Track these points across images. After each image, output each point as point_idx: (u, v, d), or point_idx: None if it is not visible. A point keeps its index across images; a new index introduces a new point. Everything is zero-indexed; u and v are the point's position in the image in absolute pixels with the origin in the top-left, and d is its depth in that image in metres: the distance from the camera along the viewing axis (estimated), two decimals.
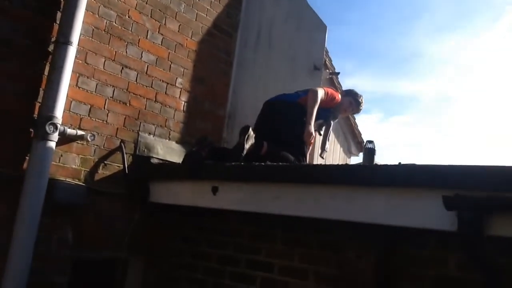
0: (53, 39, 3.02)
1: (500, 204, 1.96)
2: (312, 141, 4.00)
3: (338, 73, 7.59)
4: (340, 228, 2.69)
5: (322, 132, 4.54)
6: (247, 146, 3.38)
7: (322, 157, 4.68)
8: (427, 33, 23.54)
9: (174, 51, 3.80)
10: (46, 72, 2.98)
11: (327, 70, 7.25)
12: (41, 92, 2.95)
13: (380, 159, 4.28)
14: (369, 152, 4.30)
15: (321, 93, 3.99)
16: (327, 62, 7.07)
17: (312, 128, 3.88)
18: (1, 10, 2.84)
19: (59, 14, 3.06)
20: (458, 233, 2.04)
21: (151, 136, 3.59)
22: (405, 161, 2.46)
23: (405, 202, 2.24)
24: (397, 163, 2.43)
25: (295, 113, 3.90)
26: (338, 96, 4.25)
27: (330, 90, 4.22)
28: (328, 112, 4.24)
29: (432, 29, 23.29)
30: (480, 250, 2.06)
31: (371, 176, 2.39)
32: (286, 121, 3.87)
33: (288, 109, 3.91)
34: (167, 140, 3.70)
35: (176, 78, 3.80)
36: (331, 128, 4.50)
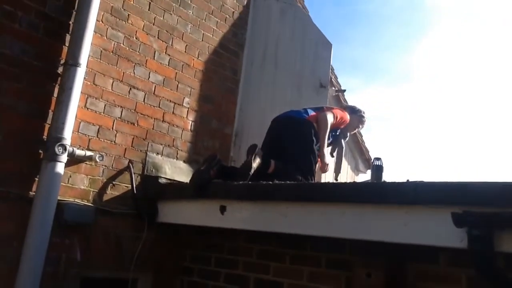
0: (62, 61, 3.07)
1: (510, 220, 1.94)
2: (327, 168, 4.02)
3: (344, 90, 7.61)
4: (349, 246, 2.68)
5: (335, 154, 4.57)
6: (254, 165, 3.38)
7: (337, 180, 4.69)
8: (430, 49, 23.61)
9: (181, 71, 3.84)
10: (55, 94, 3.03)
11: (333, 88, 7.27)
12: (50, 113, 2.99)
13: (388, 175, 4.28)
14: (377, 169, 4.29)
15: (330, 119, 4.00)
16: (333, 80, 7.09)
17: (326, 157, 3.94)
18: (11, 31, 2.90)
19: (68, 36, 3.11)
20: (468, 250, 2.01)
21: (159, 156, 3.61)
22: (413, 177, 2.46)
23: (414, 219, 2.22)
24: (405, 180, 2.43)
25: (304, 130, 3.90)
26: (346, 116, 4.28)
27: (339, 113, 4.22)
28: (336, 132, 4.26)
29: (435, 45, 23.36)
30: (491, 267, 2.04)
31: (379, 193, 2.38)
32: (294, 138, 3.86)
33: (296, 125, 3.91)
34: (175, 160, 3.72)
35: (184, 97, 3.83)
36: (343, 150, 4.53)
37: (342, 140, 4.49)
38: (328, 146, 4.17)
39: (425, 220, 2.19)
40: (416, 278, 2.46)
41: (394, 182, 2.43)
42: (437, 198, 2.15)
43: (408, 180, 2.42)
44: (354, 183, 3.72)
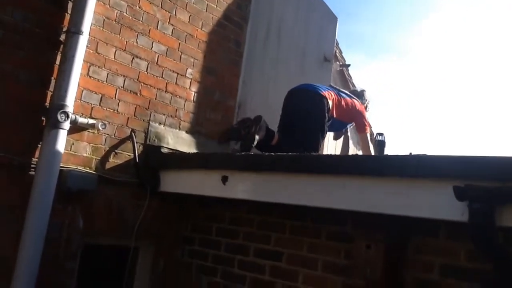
0: (64, 29, 3.04)
1: (511, 195, 1.95)
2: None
3: (349, 65, 7.58)
4: (350, 218, 2.70)
5: (340, 140, 4.68)
6: (257, 136, 3.39)
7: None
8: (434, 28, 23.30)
9: (185, 42, 3.80)
10: (57, 62, 3.00)
11: (338, 62, 7.23)
12: (53, 81, 2.97)
13: (391, 150, 4.33)
14: (379, 144, 4.32)
15: (369, 132, 4.32)
16: (337, 54, 7.04)
17: None
18: None
19: (70, 4, 3.07)
20: (469, 224, 2.03)
21: (162, 126, 3.60)
22: (415, 151, 2.46)
23: (415, 193, 2.24)
24: (408, 154, 2.43)
25: (316, 103, 3.91)
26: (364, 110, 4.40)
27: (366, 114, 4.37)
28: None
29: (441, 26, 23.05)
30: (491, 241, 2.06)
31: (381, 166, 2.39)
32: (306, 113, 3.90)
33: (311, 100, 3.92)
34: (177, 130, 3.72)
35: (187, 68, 3.81)
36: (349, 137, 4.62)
37: (349, 128, 4.54)
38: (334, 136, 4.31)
39: (426, 193, 2.20)
40: (416, 250, 2.49)
41: (397, 155, 2.44)
42: (439, 172, 2.16)
43: (410, 153, 2.43)
44: (355, 155, 3.72)
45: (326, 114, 3.93)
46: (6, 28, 2.83)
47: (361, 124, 4.34)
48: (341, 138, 4.76)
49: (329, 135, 4.61)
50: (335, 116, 4.05)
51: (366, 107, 4.56)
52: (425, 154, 2.30)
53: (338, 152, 6.07)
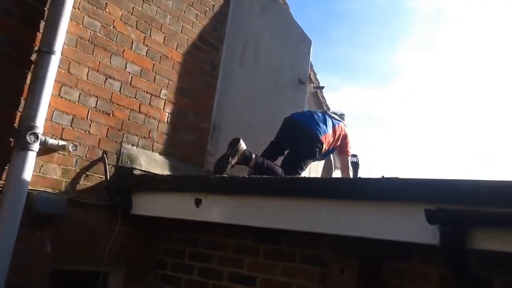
0: (36, 48, 2.99)
1: (482, 218, 1.97)
2: None
3: (323, 87, 7.68)
4: (324, 242, 2.69)
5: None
6: (233, 160, 3.39)
7: None
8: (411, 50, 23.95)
9: (159, 63, 3.79)
10: (28, 81, 2.94)
11: (312, 84, 7.31)
12: (22, 102, 2.91)
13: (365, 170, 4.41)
14: (354, 166, 4.37)
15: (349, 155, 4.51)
16: (311, 76, 7.13)
17: None
18: None
19: (42, 23, 3.03)
20: (440, 247, 2.04)
21: (134, 147, 3.55)
22: (389, 174, 2.48)
23: (388, 215, 2.25)
24: (380, 177, 2.45)
25: (312, 143, 4.09)
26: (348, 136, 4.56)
27: (349, 138, 4.52)
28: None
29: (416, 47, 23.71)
30: (462, 264, 2.07)
31: (354, 189, 2.40)
32: (298, 146, 4.10)
33: (308, 138, 4.11)
34: (151, 152, 3.67)
35: (161, 89, 3.78)
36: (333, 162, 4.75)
37: (332, 154, 4.63)
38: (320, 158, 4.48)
39: (399, 216, 2.21)
40: (390, 275, 2.49)
41: (369, 178, 2.46)
42: (411, 195, 2.18)
43: (383, 177, 2.45)
44: (330, 178, 3.74)
45: (317, 155, 4.16)
46: None
47: (344, 148, 4.48)
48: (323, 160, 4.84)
49: None
50: (326, 150, 4.27)
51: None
52: (397, 177, 2.33)
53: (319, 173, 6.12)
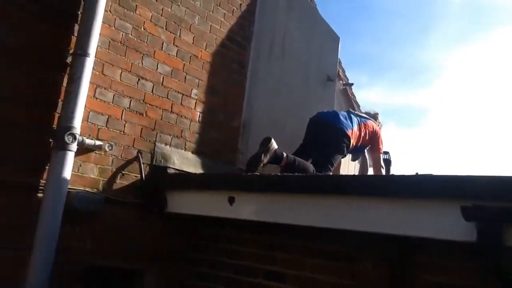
0: (71, 51, 3.07)
1: None
2: None
3: (352, 84, 7.61)
4: (355, 238, 2.69)
5: (358, 161, 4.85)
6: (264, 159, 3.43)
7: None
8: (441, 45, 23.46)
9: (189, 63, 3.85)
10: (64, 84, 3.03)
11: (341, 81, 7.26)
12: (60, 103, 3.00)
13: (396, 169, 4.39)
14: (386, 163, 4.35)
15: (381, 153, 4.53)
16: (340, 73, 7.09)
17: None
18: (21, 22, 2.90)
19: (76, 27, 3.11)
20: (477, 244, 2.03)
21: (168, 146, 3.62)
22: (421, 171, 2.47)
23: (422, 213, 2.24)
24: (414, 173, 2.44)
25: (338, 139, 4.15)
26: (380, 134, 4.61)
27: (382, 136, 4.56)
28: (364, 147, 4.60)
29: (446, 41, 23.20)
30: (499, 261, 2.05)
31: (388, 186, 2.40)
32: (327, 144, 4.14)
33: (336, 135, 4.16)
34: (183, 151, 3.74)
35: (191, 89, 3.84)
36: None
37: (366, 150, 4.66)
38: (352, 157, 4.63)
39: (434, 213, 2.20)
40: (422, 270, 2.47)
41: (402, 175, 2.45)
42: (447, 192, 2.16)
43: (417, 173, 2.44)
44: (362, 175, 3.74)
45: (345, 151, 4.21)
46: (15, 53, 2.87)
47: (376, 146, 4.52)
48: (359, 159, 4.87)
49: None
50: (354, 145, 4.31)
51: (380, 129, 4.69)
52: (431, 174, 2.31)
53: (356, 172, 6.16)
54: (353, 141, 4.24)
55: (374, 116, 4.61)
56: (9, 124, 2.82)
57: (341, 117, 4.27)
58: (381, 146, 4.50)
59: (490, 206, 1.99)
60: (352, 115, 4.42)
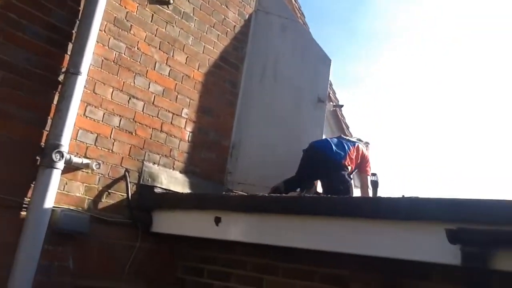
0: (63, 69, 3.09)
1: (505, 238, 1.95)
2: None
3: (342, 105, 7.67)
4: (344, 261, 2.67)
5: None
6: None
7: None
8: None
9: (181, 82, 3.87)
10: (55, 101, 3.03)
11: (331, 103, 7.31)
12: (49, 121, 3.00)
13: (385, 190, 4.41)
14: (373, 184, 4.36)
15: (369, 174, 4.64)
16: (331, 95, 7.14)
17: None
18: (15, 39, 2.92)
19: (70, 45, 3.14)
20: (461, 267, 2.02)
21: (156, 165, 3.61)
22: (409, 193, 2.47)
23: (408, 235, 2.24)
24: (400, 196, 2.44)
25: (334, 171, 4.26)
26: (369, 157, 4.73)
27: (369, 158, 4.67)
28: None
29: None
30: (485, 285, 2.04)
31: (375, 209, 2.39)
32: (324, 177, 4.32)
33: (331, 169, 4.29)
34: (171, 170, 3.72)
35: (182, 108, 3.85)
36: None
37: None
38: None
39: (419, 236, 2.20)
40: None
41: (390, 198, 2.45)
42: (432, 215, 2.17)
43: (403, 196, 2.44)
44: (349, 197, 3.72)
45: (347, 177, 4.32)
46: (8, 68, 2.88)
47: (363, 168, 4.61)
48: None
49: None
50: (352, 169, 4.45)
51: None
52: (417, 197, 2.31)
53: None
54: (351, 167, 4.38)
55: (366, 144, 4.74)
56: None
57: (334, 147, 4.38)
58: (368, 169, 4.56)
59: (474, 229, 1.98)
60: (343, 142, 4.55)
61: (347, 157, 4.36)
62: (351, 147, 4.47)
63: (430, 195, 2.37)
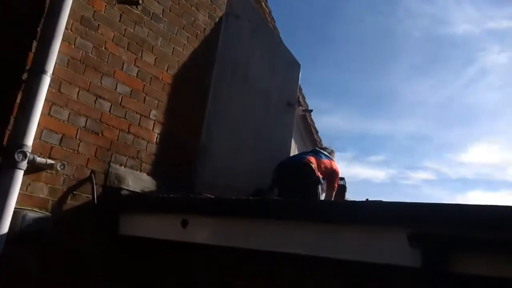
0: (27, 68, 3.02)
1: (464, 242, 2.02)
2: None
3: (311, 110, 7.77)
4: (308, 263, 2.70)
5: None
6: None
7: None
8: (402, 75, 24.28)
9: (150, 84, 3.83)
10: (18, 100, 2.96)
11: (300, 107, 7.39)
12: (12, 120, 2.92)
13: (352, 195, 4.47)
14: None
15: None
16: (300, 100, 7.21)
17: None
18: None
19: (35, 43, 3.07)
20: (421, 270, 2.07)
21: (122, 167, 3.56)
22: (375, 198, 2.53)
23: (371, 238, 2.28)
24: (364, 200, 2.49)
25: (306, 172, 4.31)
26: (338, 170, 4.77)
27: (338, 173, 4.69)
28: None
29: (407, 72, 24.05)
30: (443, 287, 2.10)
31: (337, 212, 2.43)
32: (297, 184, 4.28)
33: (299, 170, 4.32)
34: (139, 172, 3.68)
35: (151, 110, 3.82)
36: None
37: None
38: None
39: (381, 239, 2.25)
40: None
41: (354, 201, 2.50)
42: (394, 218, 2.21)
43: (367, 200, 2.49)
44: (314, 201, 3.77)
45: (319, 178, 4.34)
46: None
47: (332, 182, 4.62)
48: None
49: None
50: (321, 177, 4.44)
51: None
52: (380, 201, 2.37)
53: None
54: (314, 166, 4.38)
55: (331, 153, 4.81)
56: None
57: (304, 155, 4.48)
58: (336, 184, 4.61)
59: (434, 233, 2.04)
60: (317, 151, 4.66)
61: (315, 163, 4.38)
62: (323, 159, 4.52)
63: (393, 199, 2.42)
